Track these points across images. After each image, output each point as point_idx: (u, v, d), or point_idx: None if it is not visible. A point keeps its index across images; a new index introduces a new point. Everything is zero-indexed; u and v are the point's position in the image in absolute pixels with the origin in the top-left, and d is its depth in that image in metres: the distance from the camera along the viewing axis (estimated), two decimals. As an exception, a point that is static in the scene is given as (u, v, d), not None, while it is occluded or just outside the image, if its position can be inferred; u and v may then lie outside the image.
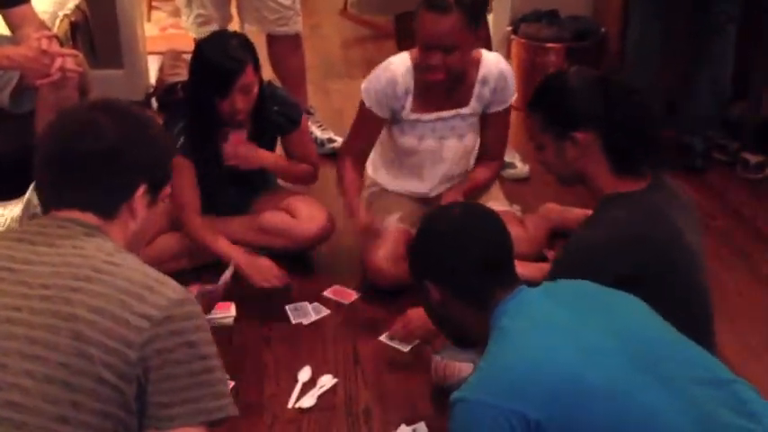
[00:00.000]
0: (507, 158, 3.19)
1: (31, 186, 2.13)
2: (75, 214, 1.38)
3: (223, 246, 2.58)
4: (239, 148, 2.60)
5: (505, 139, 2.84)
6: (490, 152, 2.78)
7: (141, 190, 1.41)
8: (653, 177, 1.92)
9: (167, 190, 1.49)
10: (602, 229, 1.86)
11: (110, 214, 1.40)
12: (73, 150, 1.38)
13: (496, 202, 2.75)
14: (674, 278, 1.83)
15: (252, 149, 2.63)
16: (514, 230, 1.77)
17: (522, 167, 3.30)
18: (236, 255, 2.54)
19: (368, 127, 2.68)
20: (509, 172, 3.25)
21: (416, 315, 2.28)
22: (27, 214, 2.20)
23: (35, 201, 1.98)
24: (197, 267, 2.67)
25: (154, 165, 1.44)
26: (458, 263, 1.65)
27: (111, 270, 1.30)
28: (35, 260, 1.32)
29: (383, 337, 2.42)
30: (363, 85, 2.64)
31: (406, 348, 2.38)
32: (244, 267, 2.50)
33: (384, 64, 2.62)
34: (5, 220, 2.29)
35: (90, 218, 1.38)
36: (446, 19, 2.38)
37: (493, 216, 1.74)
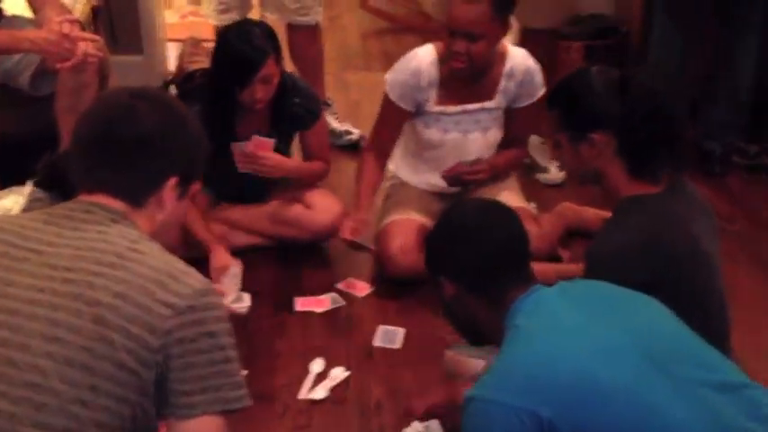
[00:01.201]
0: (543, 163, 3.16)
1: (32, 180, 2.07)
2: (103, 199, 1.38)
3: (205, 236, 2.56)
4: (267, 160, 2.58)
5: (530, 131, 2.80)
6: (513, 142, 2.76)
7: (172, 182, 1.40)
8: (671, 181, 1.88)
9: (198, 185, 1.47)
10: (621, 234, 1.83)
11: (138, 202, 1.39)
12: (109, 135, 1.38)
13: (511, 193, 2.72)
14: (691, 284, 1.81)
15: (279, 161, 2.62)
16: (528, 227, 1.77)
17: (556, 173, 3.20)
18: (213, 248, 2.52)
19: (392, 121, 2.65)
20: (543, 176, 3.20)
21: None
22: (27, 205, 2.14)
23: (37, 194, 1.95)
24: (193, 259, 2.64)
25: (187, 157, 1.43)
26: (472, 259, 1.65)
27: (135, 257, 1.30)
28: (59, 243, 1.32)
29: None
30: (388, 78, 2.61)
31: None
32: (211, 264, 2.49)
33: (409, 55, 2.60)
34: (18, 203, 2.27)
35: (118, 204, 1.38)
36: (475, 7, 2.37)
37: (510, 213, 1.73)
